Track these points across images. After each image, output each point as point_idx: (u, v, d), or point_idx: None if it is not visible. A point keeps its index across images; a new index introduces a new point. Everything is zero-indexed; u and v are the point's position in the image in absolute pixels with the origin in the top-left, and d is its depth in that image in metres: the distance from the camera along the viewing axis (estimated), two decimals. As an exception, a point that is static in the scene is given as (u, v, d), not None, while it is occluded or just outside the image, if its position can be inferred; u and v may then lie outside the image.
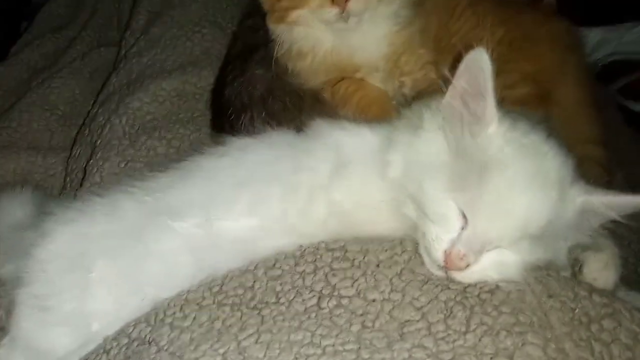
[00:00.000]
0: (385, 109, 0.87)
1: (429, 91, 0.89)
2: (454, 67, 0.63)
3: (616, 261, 0.71)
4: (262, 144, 0.75)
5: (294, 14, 0.87)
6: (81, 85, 1.31)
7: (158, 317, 0.66)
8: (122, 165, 0.95)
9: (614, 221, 0.63)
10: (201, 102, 1.07)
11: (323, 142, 0.73)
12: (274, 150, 0.74)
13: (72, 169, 1.08)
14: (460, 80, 0.61)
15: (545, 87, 0.94)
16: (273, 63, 0.91)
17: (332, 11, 0.83)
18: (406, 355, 0.54)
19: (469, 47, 0.60)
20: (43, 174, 1.16)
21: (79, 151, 1.08)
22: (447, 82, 0.63)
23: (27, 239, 0.77)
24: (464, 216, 0.59)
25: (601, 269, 0.68)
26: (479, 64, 0.59)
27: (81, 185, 0.97)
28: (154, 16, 1.23)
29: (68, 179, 1.08)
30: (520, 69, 0.92)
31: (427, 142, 0.65)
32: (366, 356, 0.55)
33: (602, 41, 1.45)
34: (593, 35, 1.45)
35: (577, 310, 0.56)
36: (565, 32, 1.01)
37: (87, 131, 1.09)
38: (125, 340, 0.65)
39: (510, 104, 0.87)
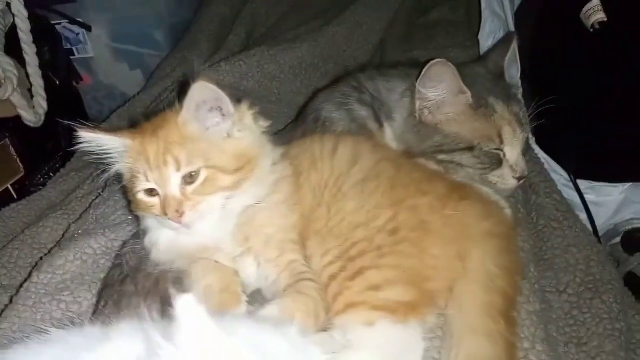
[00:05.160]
0: (227, 303, 0.78)
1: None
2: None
3: None
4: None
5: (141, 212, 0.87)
6: (71, 226, 1.39)
7: None
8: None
9: None
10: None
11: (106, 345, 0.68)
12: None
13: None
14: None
15: (431, 290, 0.77)
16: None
17: (172, 224, 0.82)
18: None
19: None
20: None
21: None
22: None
23: None
24: None
25: None
26: None
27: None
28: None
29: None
30: (397, 265, 0.77)
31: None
32: None
33: (625, 201, 1.18)
34: (616, 193, 1.19)
35: None
36: (483, 216, 0.83)
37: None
38: None
39: (370, 309, 0.74)
